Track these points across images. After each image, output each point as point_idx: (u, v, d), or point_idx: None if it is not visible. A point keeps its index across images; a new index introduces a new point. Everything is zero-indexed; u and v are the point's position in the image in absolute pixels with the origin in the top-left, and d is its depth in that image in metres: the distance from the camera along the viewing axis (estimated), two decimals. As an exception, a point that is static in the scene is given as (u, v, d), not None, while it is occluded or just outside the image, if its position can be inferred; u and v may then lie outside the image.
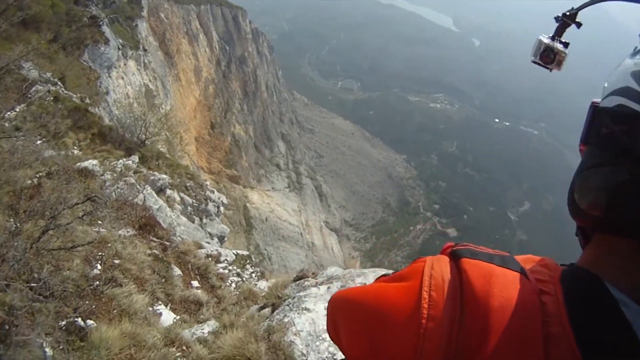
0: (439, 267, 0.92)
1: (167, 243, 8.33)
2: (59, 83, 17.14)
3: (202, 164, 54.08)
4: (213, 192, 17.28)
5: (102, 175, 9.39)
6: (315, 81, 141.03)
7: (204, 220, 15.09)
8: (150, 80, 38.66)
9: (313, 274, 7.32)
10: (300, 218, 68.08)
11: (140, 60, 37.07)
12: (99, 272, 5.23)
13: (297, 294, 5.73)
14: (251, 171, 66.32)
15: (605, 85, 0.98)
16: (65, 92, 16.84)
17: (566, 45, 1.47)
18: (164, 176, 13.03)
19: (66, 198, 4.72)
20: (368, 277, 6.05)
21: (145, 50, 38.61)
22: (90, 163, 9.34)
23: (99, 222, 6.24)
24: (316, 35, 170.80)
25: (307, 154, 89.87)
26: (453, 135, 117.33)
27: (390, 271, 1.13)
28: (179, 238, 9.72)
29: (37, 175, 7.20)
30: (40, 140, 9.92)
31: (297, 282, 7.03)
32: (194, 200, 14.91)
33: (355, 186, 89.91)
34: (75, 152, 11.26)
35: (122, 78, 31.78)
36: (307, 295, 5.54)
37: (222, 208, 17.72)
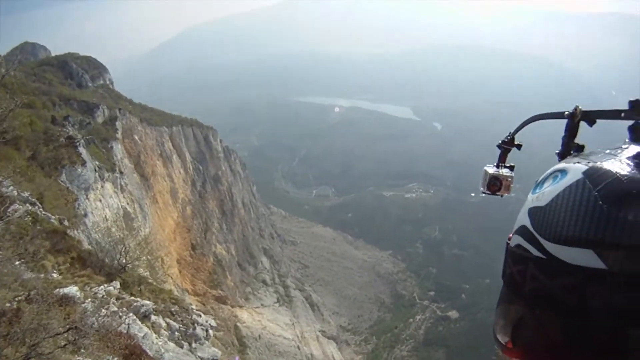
0: None
1: (155, 371, 8.10)
2: (37, 203, 17.14)
3: (187, 286, 52.85)
4: (200, 315, 16.90)
5: (83, 302, 9.26)
6: (290, 192, 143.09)
7: (194, 345, 14.63)
8: (127, 203, 38.78)
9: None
10: (294, 331, 65.77)
11: (117, 182, 37.45)
12: (84, 401, 5.08)
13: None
14: (237, 290, 64.90)
15: (517, 218, 1.05)
16: (44, 212, 16.78)
17: (511, 168, 1.72)
18: (147, 302, 12.81)
19: (47, 325, 4.71)
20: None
21: (121, 172, 39.24)
22: (71, 290, 9.26)
23: (83, 350, 6.12)
24: (285, 147, 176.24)
25: (292, 266, 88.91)
26: (433, 221, 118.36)
27: None
28: (167, 365, 9.44)
29: (17, 299, 7.11)
30: (18, 261, 9.82)
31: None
32: (181, 325, 14.54)
33: (346, 290, 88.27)
34: (55, 275, 11.13)
35: (100, 200, 31.90)
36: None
37: (211, 331, 17.22)
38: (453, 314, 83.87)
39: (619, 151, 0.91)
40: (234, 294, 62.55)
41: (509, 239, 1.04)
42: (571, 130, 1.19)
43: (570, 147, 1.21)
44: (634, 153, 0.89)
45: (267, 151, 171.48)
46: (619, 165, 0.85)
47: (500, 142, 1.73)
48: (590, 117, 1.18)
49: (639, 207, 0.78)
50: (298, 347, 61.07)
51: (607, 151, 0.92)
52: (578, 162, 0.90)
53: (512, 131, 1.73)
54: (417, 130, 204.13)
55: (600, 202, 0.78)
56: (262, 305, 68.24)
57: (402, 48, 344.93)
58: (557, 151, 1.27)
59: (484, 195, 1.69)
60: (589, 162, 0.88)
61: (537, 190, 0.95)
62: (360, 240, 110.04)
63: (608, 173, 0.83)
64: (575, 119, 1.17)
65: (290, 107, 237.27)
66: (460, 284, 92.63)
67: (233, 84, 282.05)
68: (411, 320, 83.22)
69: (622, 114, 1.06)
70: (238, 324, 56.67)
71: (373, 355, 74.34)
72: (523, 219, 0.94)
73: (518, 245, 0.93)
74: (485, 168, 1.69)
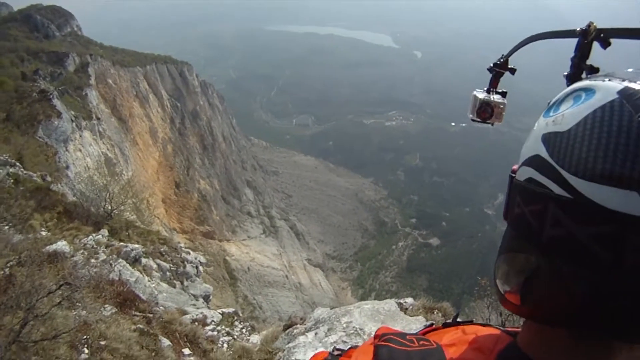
0: None
1: (150, 315, 8.16)
2: (17, 163, 16.91)
3: (174, 225, 53.29)
4: (189, 252, 17.07)
5: (73, 256, 9.20)
6: (270, 123, 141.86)
7: (185, 283, 14.83)
8: (108, 149, 38.45)
9: (301, 319, 7.34)
10: (282, 261, 67.35)
11: (95, 129, 36.97)
12: (86, 356, 5.11)
13: (287, 346, 5.76)
14: (224, 224, 65.59)
15: (523, 148, 0.88)
16: (25, 172, 16.64)
17: (504, 94, 1.49)
18: (136, 246, 12.81)
19: (40, 286, 4.66)
20: (353, 314, 6.12)
21: (98, 118, 38.66)
22: (59, 245, 9.15)
23: (78, 304, 6.09)
24: (263, 77, 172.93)
25: (276, 197, 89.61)
26: (414, 148, 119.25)
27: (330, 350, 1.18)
28: (161, 308, 9.53)
29: (8, 265, 7.03)
30: (7, 225, 9.73)
31: (287, 330, 7.01)
32: (171, 265, 14.67)
33: (330, 218, 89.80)
34: (44, 233, 11.04)
35: (80, 150, 31.58)
36: (296, 345, 5.57)
37: (201, 267, 17.45)
38: (434, 241, 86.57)
39: None
40: (220, 228, 63.28)
41: (514, 171, 0.88)
42: (582, 50, 0.98)
43: (581, 69, 1.00)
44: None
45: (244, 83, 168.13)
46: None
47: (491, 64, 1.53)
48: (607, 35, 0.97)
49: None
50: (286, 277, 62.80)
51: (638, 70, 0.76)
52: (609, 80, 0.73)
53: (505, 53, 1.53)
54: (397, 58, 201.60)
55: None
56: (248, 237, 69.32)
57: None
58: (566, 73, 1.05)
59: (474, 122, 1.50)
60: (623, 81, 0.71)
61: (552, 113, 0.80)
62: (342, 168, 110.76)
63: None
64: (589, 36, 0.97)
65: (264, 37, 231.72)
66: (441, 212, 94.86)
67: (202, 18, 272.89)
68: (394, 247, 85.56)
69: None
70: (227, 257, 57.78)
71: (359, 281, 77.01)
72: (535, 147, 0.79)
73: (530, 180, 0.77)
74: (475, 93, 1.49)
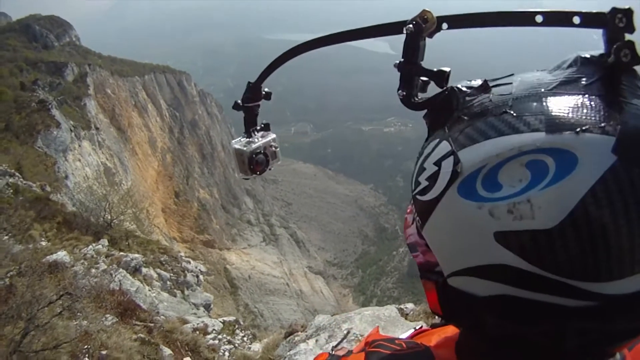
0: None
1: (151, 324, 8.17)
2: (17, 173, 17.01)
3: (174, 234, 53.20)
4: (189, 262, 17.08)
5: (73, 266, 9.22)
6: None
7: (186, 292, 14.83)
8: (107, 159, 38.56)
9: (302, 326, 7.35)
10: (282, 269, 67.19)
11: (94, 139, 37.11)
12: (87, 366, 5.11)
13: (288, 353, 5.78)
14: (224, 232, 65.52)
15: (439, 253, 0.68)
16: (24, 182, 16.77)
17: (267, 127, 1.26)
18: (136, 255, 12.84)
19: (41, 296, 4.68)
20: (354, 321, 6.13)
21: (97, 128, 38.82)
22: (60, 255, 9.17)
23: (79, 314, 6.11)
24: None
25: (275, 205, 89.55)
26: (413, 154, 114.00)
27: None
28: (162, 317, 9.53)
29: (9, 275, 7.04)
30: (7, 236, 9.75)
31: (288, 338, 7.02)
32: (172, 274, 14.68)
33: (330, 225, 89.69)
34: (44, 243, 11.07)
35: (79, 160, 31.70)
36: (297, 352, 5.59)
37: (201, 276, 17.46)
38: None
39: (591, 85, 0.56)
40: (220, 237, 63.19)
41: (434, 281, 0.72)
42: (420, 50, 0.79)
43: (416, 80, 0.80)
44: (633, 82, 0.55)
45: (242, 91, 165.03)
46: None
47: (238, 102, 1.25)
48: (450, 25, 0.75)
49: None
50: (287, 284, 62.60)
51: (565, 87, 0.57)
52: (582, 131, 0.51)
53: (252, 82, 1.28)
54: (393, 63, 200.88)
55: None
56: (249, 245, 69.18)
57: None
58: (400, 92, 0.82)
59: (247, 179, 1.19)
60: (600, 124, 0.51)
61: (495, 196, 0.55)
62: (341, 175, 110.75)
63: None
64: (426, 31, 0.77)
65: (261, 45, 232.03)
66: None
67: (199, 27, 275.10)
68: (394, 252, 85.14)
69: (577, 18, 0.61)
70: (227, 266, 57.64)
71: (360, 288, 76.59)
72: (487, 253, 0.56)
73: (506, 297, 0.56)
74: (234, 146, 1.21)
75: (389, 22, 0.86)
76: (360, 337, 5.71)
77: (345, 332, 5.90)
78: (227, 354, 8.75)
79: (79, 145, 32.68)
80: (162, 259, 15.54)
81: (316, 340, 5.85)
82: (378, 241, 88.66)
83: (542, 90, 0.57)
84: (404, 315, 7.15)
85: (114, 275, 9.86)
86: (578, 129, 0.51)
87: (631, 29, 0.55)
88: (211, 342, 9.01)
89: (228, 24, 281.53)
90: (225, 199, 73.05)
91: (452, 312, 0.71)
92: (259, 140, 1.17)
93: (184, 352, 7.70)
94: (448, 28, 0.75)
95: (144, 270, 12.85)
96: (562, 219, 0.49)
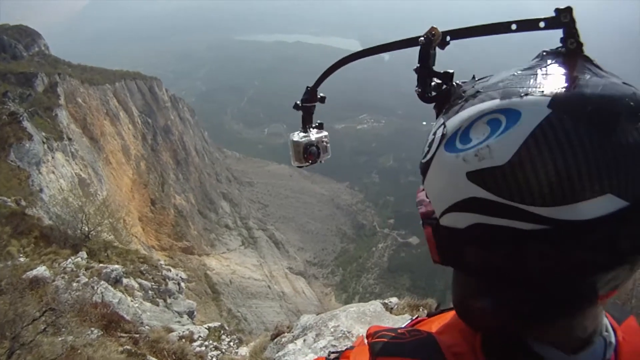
0: None
1: (137, 335, 8.13)
2: None
3: (152, 242, 52.60)
4: (170, 270, 16.99)
5: (54, 280, 9.10)
6: (242, 133, 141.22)
7: (169, 301, 14.75)
8: (81, 169, 38.03)
9: (288, 327, 7.39)
10: (263, 271, 67.04)
11: (67, 150, 36.57)
12: (76, 382, 5.08)
13: (277, 355, 5.81)
14: (202, 238, 65.05)
15: (433, 194, 0.88)
16: None
17: (321, 126, 1.49)
18: (116, 266, 12.73)
19: (24, 313, 4.63)
20: (340, 318, 6.20)
21: (70, 139, 38.15)
22: (39, 270, 9.05)
23: (63, 329, 6.05)
24: (232, 88, 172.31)
25: (252, 207, 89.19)
26: (387, 150, 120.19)
27: (332, 350, 1.17)
28: (147, 327, 9.49)
29: None
30: None
31: (275, 340, 7.07)
32: (153, 283, 14.60)
33: (308, 225, 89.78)
34: (22, 259, 10.89)
35: (53, 172, 31.25)
36: (286, 353, 5.63)
37: (183, 284, 17.38)
38: (414, 239, 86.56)
39: (544, 67, 0.75)
40: (199, 242, 62.74)
41: (428, 217, 0.90)
42: (431, 58, 0.98)
43: (433, 77, 1.00)
44: (576, 62, 0.74)
45: (214, 94, 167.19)
46: (579, 82, 0.69)
47: (297, 102, 1.51)
48: (453, 37, 0.96)
49: (630, 123, 0.65)
50: (269, 287, 62.51)
51: (524, 72, 0.76)
52: (526, 95, 0.70)
53: (310, 85, 1.52)
54: (365, 62, 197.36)
55: (596, 132, 0.63)
56: (228, 250, 68.84)
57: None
58: (417, 89, 1.03)
59: (301, 167, 1.45)
60: (540, 90, 0.69)
61: (463, 146, 0.74)
62: (317, 174, 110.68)
63: (578, 96, 0.67)
64: (435, 42, 0.96)
65: (233, 47, 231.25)
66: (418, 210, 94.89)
67: (169, 31, 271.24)
68: (374, 249, 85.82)
69: (542, 23, 0.81)
70: (208, 272, 57.25)
71: (342, 286, 77.11)
72: (462, 189, 0.73)
73: (478, 225, 0.72)
74: (292, 138, 1.46)
75: (406, 37, 1.05)
76: (347, 334, 5.79)
77: (332, 329, 5.97)
78: (214, 359, 8.77)
79: (52, 157, 32.16)
80: (142, 268, 15.42)
81: (304, 340, 5.90)
82: (357, 238, 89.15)
83: (508, 75, 0.77)
84: (389, 309, 7.27)
85: (95, 288, 9.76)
86: (523, 94, 0.69)
87: (573, 22, 0.75)
88: (198, 349, 9.02)
89: (197, 26, 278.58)
90: (202, 204, 72.53)
91: (444, 252, 0.85)
92: (314, 135, 1.40)
93: (171, 361, 7.69)
94: (450, 39, 0.94)
95: (124, 280, 12.74)
96: (510, 158, 0.66)
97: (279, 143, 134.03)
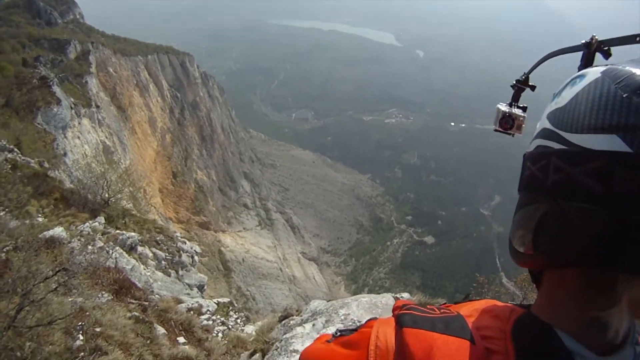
0: (384, 336, 0.94)
1: (146, 303, 8.12)
2: (15, 149, 16.92)
3: (170, 214, 53.27)
4: (185, 242, 17.03)
5: (69, 242, 9.15)
6: (269, 116, 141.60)
7: (180, 272, 14.80)
8: (106, 137, 38.49)
9: (297, 310, 7.30)
10: (276, 253, 67.48)
11: (94, 117, 36.99)
12: (82, 342, 5.08)
13: (284, 336, 5.71)
14: (220, 215, 65.62)
15: (536, 128, 1.02)
16: (23, 158, 16.64)
17: (524, 109, 1.61)
18: (132, 234, 12.76)
19: (37, 271, 4.63)
20: (351, 306, 6.07)
21: (97, 106, 38.68)
22: (56, 231, 9.10)
23: (74, 290, 6.07)
24: (263, 70, 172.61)
25: (273, 189, 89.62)
26: (413, 147, 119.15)
27: (341, 327, 1.17)
28: (156, 296, 9.51)
29: (4, 250, 6.98)
30: (3, 211, 9.68)
31: (283, 321, 6.99)
32: (167, 254, 14.64)
33: (326, 213, 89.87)
34: (40, 219, 10.97)
35: (78, 137, 31.59)
36: (294, 336, 5.53)
37: (196, 257, 17.43)
38: (429, 239, 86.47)
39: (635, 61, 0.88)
40: (216, 219, 63.30)
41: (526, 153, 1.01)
42: (587, 61, 1.14)
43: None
44: None
45: (245, 75, 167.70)
46: (636, 66, 0.83)
47: (514, 81, 1.61)
48: (606, 45, 1.12)
49: None
50: (280, 269, 62.92)
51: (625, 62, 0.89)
52: (596, 66, 0.91)
53: (526, 71, 1.62)
54: (399, 56, 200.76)
55: (621, 92, 0.78)
56: (244, 229, 69.42)
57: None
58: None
59: (495, 132, 1.61)
60: (607, 65, 0.87)
61: (555, 98, 0.94)
62: (340, 163, 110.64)
63: (626, 71, 0.82)
64: (592, 47, 1.13)
65: (267, 30, 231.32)
66: (437, 211, 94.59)
67: (205, 9, 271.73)
68: (389, 243, 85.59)
69: (638, 38, 1.00)
70: (222, 248, 57.82)
71: (352, 276, 77.07)
72: (543, 124, 0.94)
73: (538, 146, 0.92)
74: (498, 106, 1.60)
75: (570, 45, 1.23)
76: (357, 323, 5.67)
77: (342, 317, 5.88)
78: (220, 335, 8.76)
79: (79, 123, 32.53)
80: (157, 238, 15.49)
81: (313, 325, 5.81)
82: (373, 231, 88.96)
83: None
84: (400, 305, 7.11)
85: (110, 253, 9.79)
86: (593, 67, 0.92)
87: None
88: (205, 322, 9.02)
89: (234, 6, 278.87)
90: (223, 182, 73.08)
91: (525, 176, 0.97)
92: (515, 110, 1.54)
93: (177, 332, 7.69)
94: (604, 47, 1.13)
95: (139, 249, 12.80)
96: (567, 101, 0.88)
97: (305, 129, 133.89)
